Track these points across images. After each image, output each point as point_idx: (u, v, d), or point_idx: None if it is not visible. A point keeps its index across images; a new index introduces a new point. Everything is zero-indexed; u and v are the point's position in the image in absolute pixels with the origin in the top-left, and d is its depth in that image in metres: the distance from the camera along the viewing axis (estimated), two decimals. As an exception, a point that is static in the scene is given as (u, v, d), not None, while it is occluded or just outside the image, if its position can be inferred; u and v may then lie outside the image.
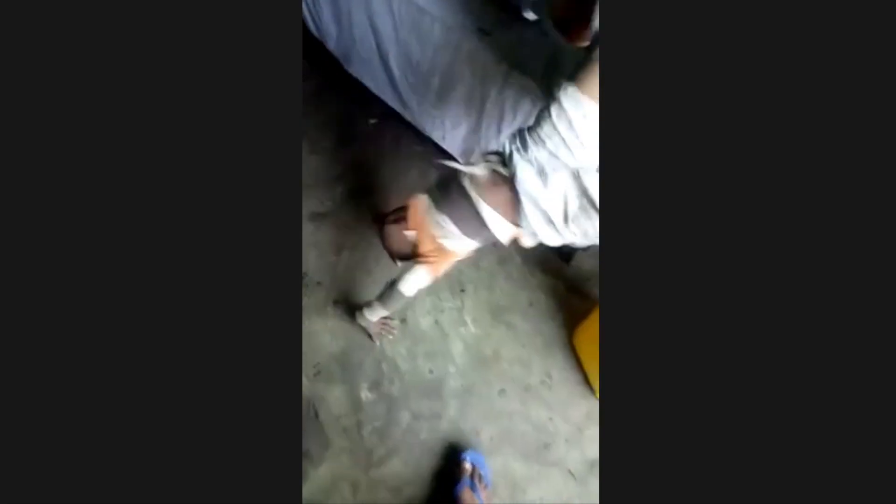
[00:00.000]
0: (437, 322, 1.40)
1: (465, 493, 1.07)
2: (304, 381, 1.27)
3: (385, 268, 1.47)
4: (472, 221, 0.86)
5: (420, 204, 0.93)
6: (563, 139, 0.72)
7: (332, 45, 1.62)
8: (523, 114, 1.20)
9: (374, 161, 1.70)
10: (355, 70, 1.62)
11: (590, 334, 1.30)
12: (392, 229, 1.03)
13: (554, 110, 0.71)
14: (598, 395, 1.27)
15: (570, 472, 1.19)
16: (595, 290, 1.46)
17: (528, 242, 0.89)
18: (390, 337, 1.34)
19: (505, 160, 0.81)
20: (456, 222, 0.89)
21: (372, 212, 1.59)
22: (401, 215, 0.99)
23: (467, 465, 1.10)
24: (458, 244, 0.93)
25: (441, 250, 0.94)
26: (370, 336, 1.32)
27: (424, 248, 0.95)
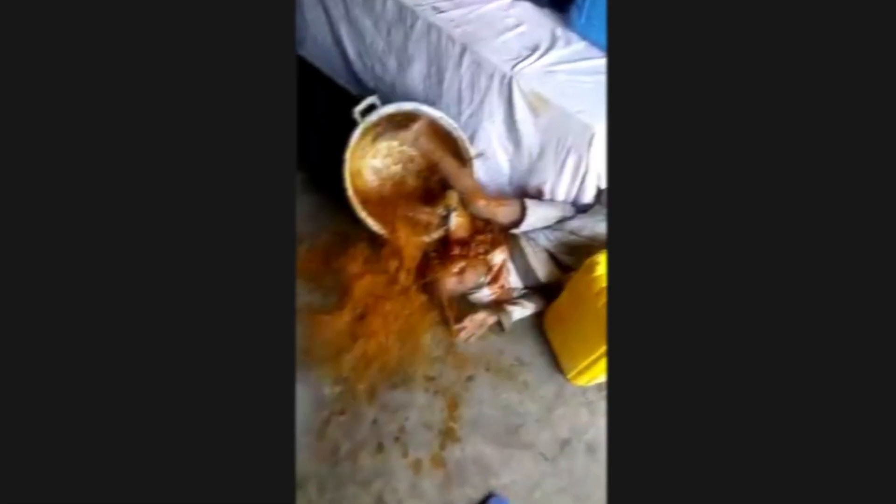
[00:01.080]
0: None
1: None
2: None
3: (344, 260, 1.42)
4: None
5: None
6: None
7: (282, 28, 1.55)
8: (479, 93, 1.17)
9: (331, 148, 1.64)
10: (309, 52, 1.55)
11: (559, 318, 1.30)
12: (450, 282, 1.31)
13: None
14: (567, 375, 1.27)
15: (541, 453, 1.18)
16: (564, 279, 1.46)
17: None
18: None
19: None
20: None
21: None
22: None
23: None
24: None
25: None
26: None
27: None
